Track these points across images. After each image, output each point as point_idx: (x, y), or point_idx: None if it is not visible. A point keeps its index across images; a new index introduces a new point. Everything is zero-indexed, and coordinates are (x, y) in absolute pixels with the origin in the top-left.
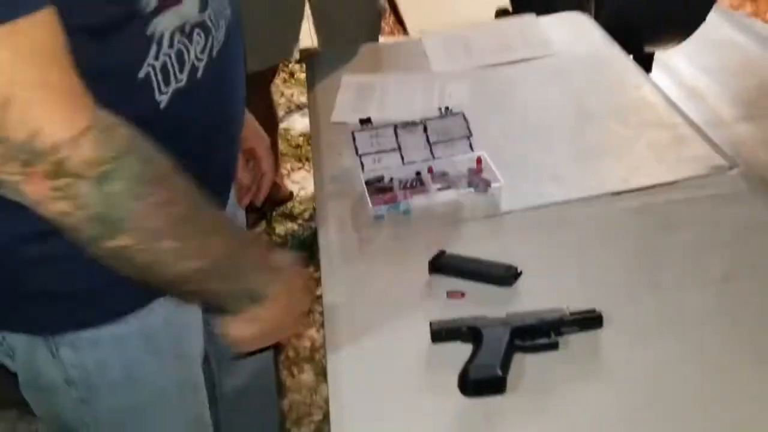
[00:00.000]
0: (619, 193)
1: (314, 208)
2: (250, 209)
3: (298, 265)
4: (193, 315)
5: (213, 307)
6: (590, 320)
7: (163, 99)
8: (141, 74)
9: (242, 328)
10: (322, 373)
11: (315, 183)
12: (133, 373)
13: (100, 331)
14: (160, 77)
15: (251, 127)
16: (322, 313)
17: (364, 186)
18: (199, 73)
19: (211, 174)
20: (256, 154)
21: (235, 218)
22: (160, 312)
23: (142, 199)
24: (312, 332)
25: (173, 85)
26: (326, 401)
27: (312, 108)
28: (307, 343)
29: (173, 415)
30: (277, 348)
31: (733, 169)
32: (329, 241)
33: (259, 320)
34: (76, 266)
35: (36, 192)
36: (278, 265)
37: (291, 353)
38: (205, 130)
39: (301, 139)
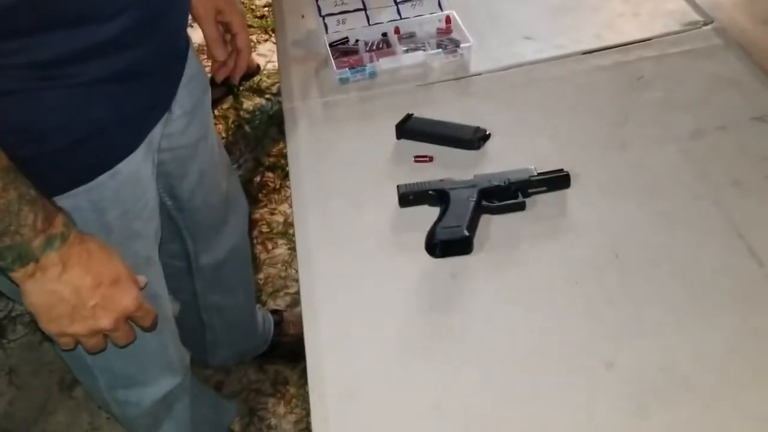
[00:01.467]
0: (591, 52)
1: None
2: (214, 84)
3: (124, 266)
4: (147, 192)
5: None
6: (558, 180)
7: None
8: None
9: (28, 295)
10: (295, 248)
11: (278, 48)
12: None
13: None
14: None
15: None
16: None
17: (328, 49)
18: None
19: (153, 47)
20: (231, 28)
21: (200, 91)
22: (109, 185)
23: None
24: (284, 207)
25: None
26: None
27: None
28: (280, 218)
29: None
30: (251, 223)
31: (707, 25)
32: (293, 106)
33: (42, 290)
34: (25, 136)
35: None
36: (68, 237)
37: (264, 228)
38: None
39: (266, 10)
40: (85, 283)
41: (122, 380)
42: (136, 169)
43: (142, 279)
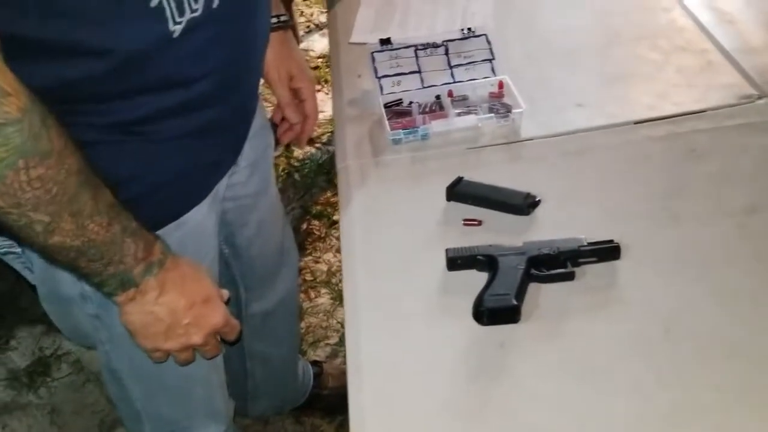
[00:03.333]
0: (644, 121)
1: (332, 132)
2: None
3: (213, 285)
4: (210, 242)
5: (89, 284)
6: (608, 251)
7: (177, 29)
8: (153, 3)
9: (126, 315)
10: (338, 298)
11: (333, 106)
12: None
13: None
14: (173, 5)
15: (299, 65)
16: (338, 238)
17: (383, 109)
18: (215, 3)
19: (229, 106)
20: (301, 94)
21: (265, 144)
22: (174, 235)
23: (16, 170)
24: (329, 256)
25: (187, 15)
26: (342, 325)
27: (331, 28)
28: (324, 267)
29: None
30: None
31: (762, 99)
32: (346, 165)
33: (140, 311)
34: None
35: None
36: (165, 262)
37: (308, 276)
38: (221, 62)
39: (320, 60)
40: (180, 305)
41: (169, 426)
42: (202, 219)
43: (225, 293)
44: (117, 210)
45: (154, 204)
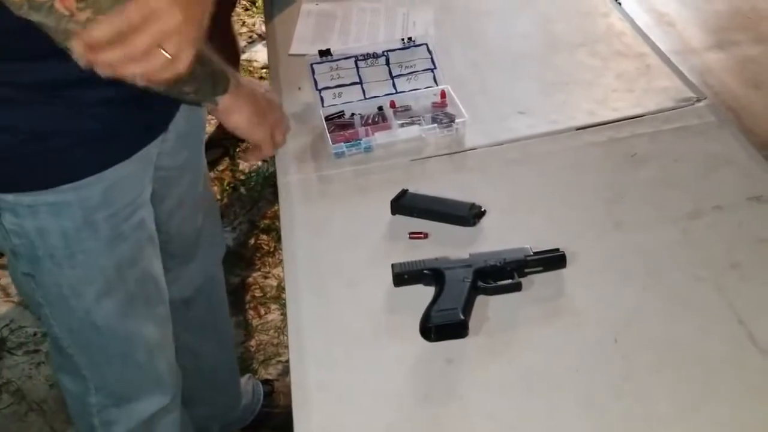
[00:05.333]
0: (585, 128)
1: None
2: (209, 145)
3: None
4: (139, 200)
5: (189, 100)
6: (554, 260)
7: None
8: None
9: (233, 112)
10: None
11: None
12: (72, 246)
13: (38, 199)
14: None
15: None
16: None
17: (324, 122)
18: None
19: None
20: None
21: (197, 120)
22: (97, 187)
23: None
24: (278, 271)
25: None
26: None
27: (270, 39)
28: (274, 282)
29: (117, 292)
30: (244, 287)
31: (700, 101)
32: (288, 180)
33: (242, 102)
34: (14, 134)
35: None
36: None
37: (257, 293)
38: None
39: (264, 71)
40: (256, 86)
41: (114, 398)
42: (126, 176)
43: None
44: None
45: (72, 157)
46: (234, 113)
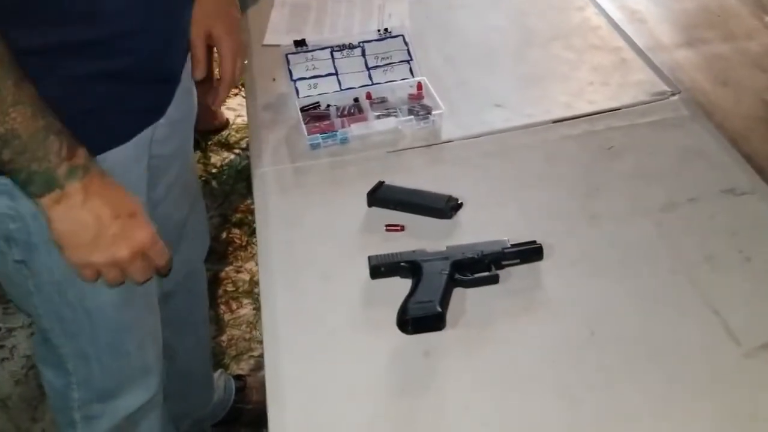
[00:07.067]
0: (561, 120)
1: None
2: None
3: (135, 203)
4: (134, 187)
5: (16, 183)
6: (531, 252)
7: None
8: None
9: (54, 222)
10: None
11: (248, 110)
12: None
13: None
14: None
15: (225, 24)
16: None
17: (299, 113)
18: None
19: (151, 56)
20: (219, 54)
21: (188, 108)
22: None
23: None
24: (251, 265)
25: None
26: None
27: (243, 29)
28: (246, 277)
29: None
30: (216, 282)
31: (674, 95)
32: (263, 171)
33: (66, 217)
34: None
35: None
36: (90, 169)
37: (230, 287)
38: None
39: None
40: (105, 212)
41: (97, 393)
42: (118, 162)
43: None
44: (41, 104)
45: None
46: (64, 216)
